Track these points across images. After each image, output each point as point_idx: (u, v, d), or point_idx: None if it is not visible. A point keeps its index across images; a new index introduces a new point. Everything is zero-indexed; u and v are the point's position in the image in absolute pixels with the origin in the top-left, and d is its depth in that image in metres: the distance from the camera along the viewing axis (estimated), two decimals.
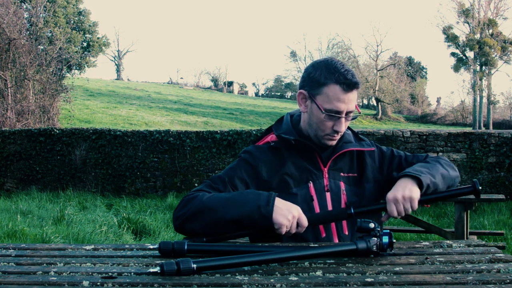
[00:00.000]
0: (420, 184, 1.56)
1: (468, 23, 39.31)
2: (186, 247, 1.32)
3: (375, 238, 1.27)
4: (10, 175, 10.63)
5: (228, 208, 1.45)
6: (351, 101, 1.62)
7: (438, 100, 51.28)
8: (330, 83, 1.60)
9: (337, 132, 1.63)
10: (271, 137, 1.73)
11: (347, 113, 1.63)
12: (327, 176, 1.67)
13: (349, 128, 1.77)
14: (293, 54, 53.75)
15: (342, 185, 1.67)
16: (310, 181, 1.65)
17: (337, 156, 1.69)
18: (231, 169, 1.66)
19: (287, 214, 1.43)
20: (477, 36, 38.54)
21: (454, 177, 1.69)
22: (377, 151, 1.79)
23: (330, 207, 1.64)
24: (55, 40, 18.12)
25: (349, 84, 1.60)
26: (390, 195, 1.55)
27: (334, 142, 1.67)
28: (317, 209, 1.62)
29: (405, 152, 1.82)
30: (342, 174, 1.70)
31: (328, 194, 1.65)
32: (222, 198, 1.49)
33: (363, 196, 1.69)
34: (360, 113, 1.76)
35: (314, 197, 1.63)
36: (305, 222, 1.47)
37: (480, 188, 1.57)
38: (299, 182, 1.64)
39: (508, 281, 1.05)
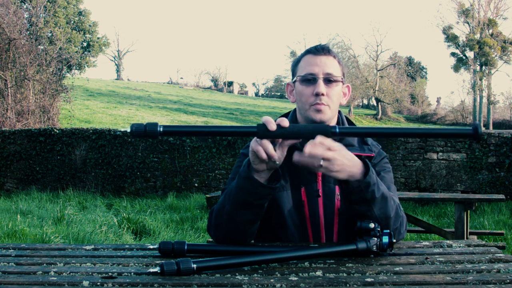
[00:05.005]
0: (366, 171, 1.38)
1: (468, 23, 39.32)
2: (186, 247, 1.33)
3: (375, 238, 1.27)
4: (10, 175, 10.63)
5: (229, 196, 1.42)
6: (325, 64, 1.56)
7: (438, 100, 51.26)
8: (302, 56, 1.64)
9: (317, 95, 1.53)
10: None
11: (326, 78, 1.55)
12: (321, 180, 1.57)
13: None
14: (293, 54, 53.71)
15: (338, 189, 1.57)
16: (303, 185, 1.57)
17: None
18: (237, 167, 1.63)
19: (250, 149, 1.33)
20: (477, 36, 38.54)
21: (391, 215, 1.44)
22: (376, 158, 1.65)
23: (321, 214, 1.55)
24: (55, 40, 18.14)
25: (317, 48, 1.60)
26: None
27: (322, 116, 1.55)
28: (307, 215, 1.56)
29: (391, 173, 1.65)
30: None
31: (320, 200, 1.56)
32: (224, 194, 1.48)
33: None
34: (342, 80, 1.59)
35: (305, 203, 1.56)
36: (273, 125, 1.27)
37: (482, 134, 1.29)
38: (293, 185, 1.58)
39: (508, 281, 1.05)
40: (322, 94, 1.54)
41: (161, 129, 1.23)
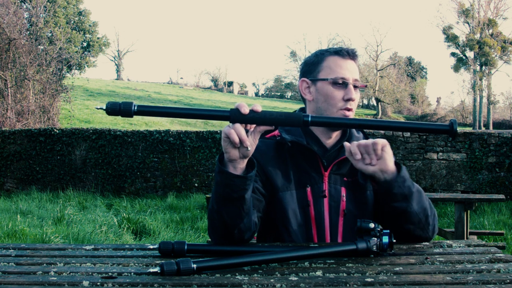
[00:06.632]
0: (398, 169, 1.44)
1: (468, 23, 39.35)
2: (186, 247, 1.33)
3: (375, 238, 1.27)
4: (10, 175, 10.63)
5: (213, 195, 1.42)
6: (353, 69, 1.58)
7: (438, 100, 51.26)
8: (326, 56, 1.61)
9: (349, 100, 1.56)
10: (278, 131, 1.66)
11: (354, 84, 1.58)
12: (327, 180, 1.58)
13: (362, 131, 1.69)
14: (293, 54, 53.80)
15: (343, 191, 1.59)
16: (308, 185, 1.58)
17: (342, 160, 1.59)
18: None
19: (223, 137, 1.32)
20: (477, 36, 38.57)
21: (428, 210, 1.50)
22: None
23: (326, 214, 1.56)
24: (55, 40, 18.14)
25: (346, 51, 1.60)
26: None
27: (351, 115, 1.59)
28: (312, 215, 1.56)
29: None
30: (345, 179, 1.60)
31: (325, 200, 1.57)
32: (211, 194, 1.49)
33: (364, 204, 1.59)
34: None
35: (311, 202, 1.56)
36: (246, 108, 1.27)
37: (458, 130, 1.33)
38: (298, 185, 1.58)
39: (508, 281, 1.05)
40: (353, 100, 1.58)
41: (136, 108, 1.25)
